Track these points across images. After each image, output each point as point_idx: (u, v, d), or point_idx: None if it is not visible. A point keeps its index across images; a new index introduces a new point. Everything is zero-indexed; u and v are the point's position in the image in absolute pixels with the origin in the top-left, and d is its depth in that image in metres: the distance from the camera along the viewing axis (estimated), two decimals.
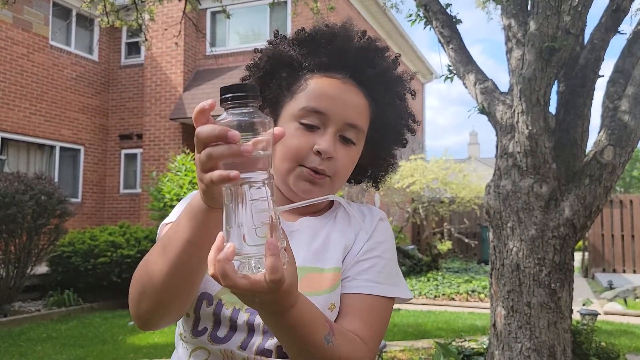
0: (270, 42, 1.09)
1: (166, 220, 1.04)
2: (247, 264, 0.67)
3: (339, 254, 0.99)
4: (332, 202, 1.13)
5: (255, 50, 1.11)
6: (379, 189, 1.18)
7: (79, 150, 12.21)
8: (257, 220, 0.67)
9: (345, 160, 1.01)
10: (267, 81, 1.04)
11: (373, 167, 1.14)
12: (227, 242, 0.67)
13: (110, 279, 7.70)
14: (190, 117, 10.62)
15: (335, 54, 1.01)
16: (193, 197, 0.80)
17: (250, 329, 0.94)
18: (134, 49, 12.76)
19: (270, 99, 1.04)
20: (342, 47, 1.02)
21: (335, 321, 0.94)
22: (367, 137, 1.06)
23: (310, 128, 0.98)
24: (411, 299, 1.05)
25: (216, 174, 0.67)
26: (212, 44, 11.78)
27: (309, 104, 0.98)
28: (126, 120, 12.73)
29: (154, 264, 0.84)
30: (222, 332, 0.95)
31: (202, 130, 0.67)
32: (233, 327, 0.94)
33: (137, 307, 0.88)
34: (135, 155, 12.66)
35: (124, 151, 12.77)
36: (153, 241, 8.33)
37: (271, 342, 0.93)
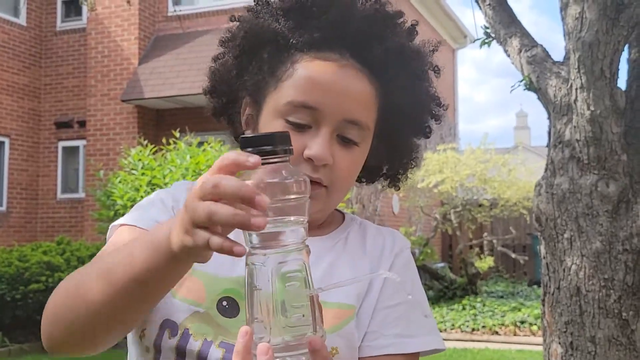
0: (249, 9, 1.10)
1: (121, 221, 1.06)
2: None
3: (347, 288, 1.01)
4: (343, 216, 1.16)
5: (231, 18, 1.12)
6: (399, 189, 1.20)
7: (2, 143, 12.23)
8: (293, 304, 0.71)
9: (346, 166, 1.03)
10: (246, 63, 1.05)
11: (389, 164, 1.16)
12: (258, 338, 0.71)
13: None
14: (148, 98, 10.60)
15: (332, 27, 1.01)
16: (158, 230, 0.82)
17: None
18: (73, 9, 12.78)
19: (250, 87, 1.05)
20: (340, 17, 1.02)
21: None
22: (378, 131, 1.07)
23: (299, 127, 0.99)
24: (444, 349, 1.10)
25: (216, 241, 0.69)
26: (176, 2, 11.80)
27: (297, 97, 0.99)
28: (64, 103, 12.75)
29: (90, 289, 0.86)
30: None
31: (228, 183, 0.69)
32: None
33: (57, 330, 0.91)
34: (76, 148, 12.68)
35: (61, 143, 12.79)
36: None
37: None
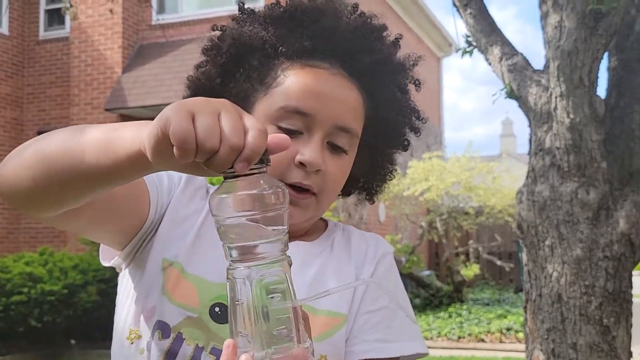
0: (234, 19, 1.11)
1: None
2: None
3: (336, 296, 1.02)
4: (326, 223, 1.17)
5: (213, 27, 1.13)
6: (373, 202, 1.21)
7: None
8: (275, 317, 0.70)
9: (336, 173, 1.04)
10: (232, 70, 1.06)
11: (367, 176, 1.18)
12: (242, 351, 0.70)
13: (27, 324, 7.65)
14: (132, 107, 10.53)
15: (321, 36, 1.03)
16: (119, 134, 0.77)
17: None
18: (56, 18, 12.71)
19: (236, 94, 1.05)
20: (329, 27, 1.03)
21: None
22: (362, 141, 1.09)
23: (291, 133, 1.00)
24: (427, 354, 1.11)
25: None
26: (160, 10, 11.78)
27: (289, 102, 1.00)
28: (47, 112, 12.67)
29: (72, 148, 0.81)
30: None
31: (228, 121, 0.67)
32: None
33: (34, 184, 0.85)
34: None
35: None
36: (84, 272, 8.30)
37: None
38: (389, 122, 1.11)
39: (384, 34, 1.10)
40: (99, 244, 1.10)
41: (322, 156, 1.01)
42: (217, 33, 1.10)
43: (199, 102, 0.68)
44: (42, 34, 12.89)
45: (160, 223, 1.03)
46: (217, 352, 0.97)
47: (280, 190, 0.71)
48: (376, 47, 1.07)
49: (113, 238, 1.04)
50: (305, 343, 0.72)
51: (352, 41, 1.04)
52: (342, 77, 1.03)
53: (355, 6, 1.10)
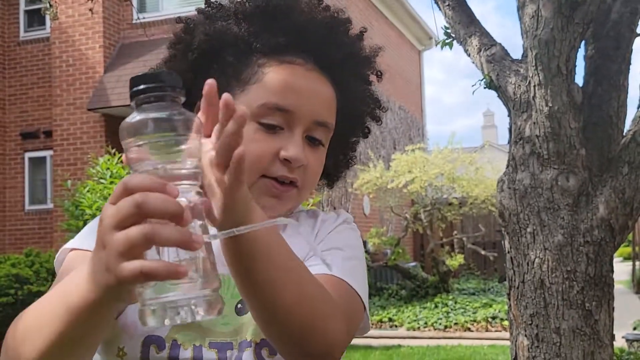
0: (200, 12, 1.11)
1: (69, 245, 1.04)
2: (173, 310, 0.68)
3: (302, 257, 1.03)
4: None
5: (178, 20, 1.13)
6: (332, 187, 1.23)
7: None
8: (184, 256, 0.69)
9: (316, 166, 1.07)
10: (205, 66, 1.06)
11: (334, 164, 1.20)
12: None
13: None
14: (115, 106, 10.50)
15: (295, 33, 1.04)
16: (68, 288, 0.77)
17: None
18: (36, 18, 12.60)
19: None
20: (302, 23, 1.05)
21: None
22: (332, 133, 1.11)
23: (271, 129, 1.01)
24: (368, 330, 1.09)
25: (137, 265, 0.63)
26: (141, 9, 11.70)
27: (270, 99, 1.01)
28: (29, 113, 12.56)
29: (31, 342, 0.81)
30: None
31: (154, 201, 0.64)
32: None
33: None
34: (43, 159, 12.50)
35: (28, 154, 12.60)
36: None
37: None
38: (355, 112, 1.14)
39: (351, 27, 1.12)
40: None
41: (305, 151, 1.02)
42: (180, 25, 1.11)
43: (100, 231, 0.68)
44: (23, 35, 12.77)
45: None
46: (216, 345, 0.98)
47: (192, 118, 0.71)
48: (345, 41, 1.09)
49: None
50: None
51: (323, 36, 1.05)
52: (317, 72, 1.05)
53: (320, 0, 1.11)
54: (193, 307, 0.68)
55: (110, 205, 0.66)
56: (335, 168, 1.20)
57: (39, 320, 0.79)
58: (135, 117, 0.69)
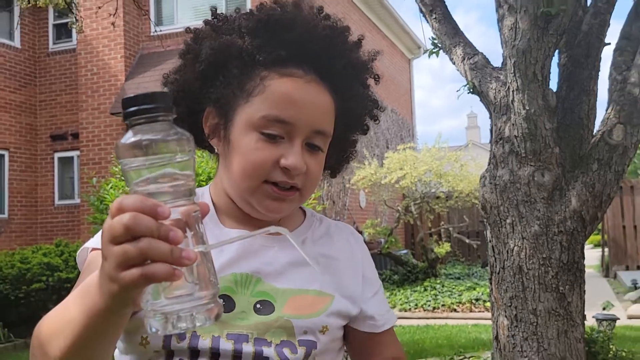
0: (207, 23, 1.09)
1: (89, 244, 1.03)
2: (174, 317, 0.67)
3: (320, 276, 1.05)
4: (305, 213, 1.18)
5: (187, 30, 1.10)
6: (335, 176, 1.23)
7: (2, 155, 12.01)
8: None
9: (316, 170, 1.05)
10: (212, 77, 1.03)
11: (335, 159, 1.19)
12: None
13: (47, 309, 7.54)
14: None
15: (296, 46, 1.01)
16: (88, 291, 0.75)
17: (237, 357, 0.97)
18: (63, 31, 12.58)
19: (217, 99, 1.03)
20: (304, 36, 1.02)
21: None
22: (332, 136, 1.09)
23: (272, 138, 0.99)
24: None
25: (137, 270, 0.63)
26: (158, 22, 11.68)
27: (271, 111, 0.99)
28: (58, 117, 12.56)
29: (51, 345, 0.81)
30: None
31: (144, 222, 0.63)
32: (214, 357, 0.97)
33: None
34: (71, 158, 12.49)
35: (57, 154, 12.60)
36: None
37: None
38: (355, 114, 1.12)
39: (349, 36, 1.09)
40: None
41: (303, 158, 1.01)
42: (190, 36, 1.08)
43: (102, 243, 0.68)
44: (52, 46, 12.76)
45: None
46: (233, 337, 0.97)
47: (185, 137, 0.68)
48: (344, 50, 1.06)
49: None
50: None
51: (324, 47, 1.03)
52: (317, 83, 1.02)
53: (320, 9, 1.08)
54: (193, 314, 0.67)
55: (109, 219, 0.66)
56: (338, 162, 1.19)
57: (61, 323, 0.79)
58: (129, 137, 0.67)
